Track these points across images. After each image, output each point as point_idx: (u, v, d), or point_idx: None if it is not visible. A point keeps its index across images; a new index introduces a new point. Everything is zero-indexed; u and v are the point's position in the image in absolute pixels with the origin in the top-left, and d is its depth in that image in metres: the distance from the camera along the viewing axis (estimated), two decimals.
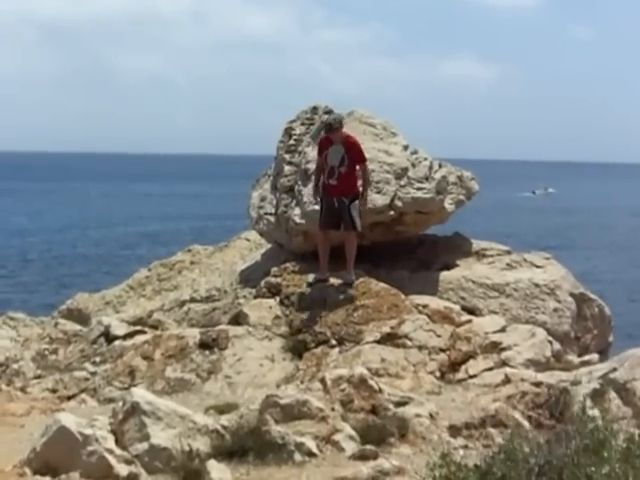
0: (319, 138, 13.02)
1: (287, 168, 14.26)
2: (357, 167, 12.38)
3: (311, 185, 12.94)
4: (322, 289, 12.24)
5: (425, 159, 14.10)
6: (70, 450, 6.94)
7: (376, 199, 13.24)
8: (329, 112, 14.50)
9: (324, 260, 12.45)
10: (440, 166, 14.32)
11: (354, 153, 12.27)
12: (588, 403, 7.49)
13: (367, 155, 12.56)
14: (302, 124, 14.63)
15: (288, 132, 14.70)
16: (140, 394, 7.55)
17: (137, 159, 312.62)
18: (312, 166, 13.06)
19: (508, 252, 14.37)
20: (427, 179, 13.78)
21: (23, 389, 11.69)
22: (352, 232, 12.30)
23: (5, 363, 12.78)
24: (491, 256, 14.16)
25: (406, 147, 14.26)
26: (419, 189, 13.59)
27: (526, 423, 7.88)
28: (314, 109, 14.81)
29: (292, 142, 14.49)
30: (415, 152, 14.23)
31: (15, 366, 12.57)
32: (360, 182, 12.47)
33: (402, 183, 13.55)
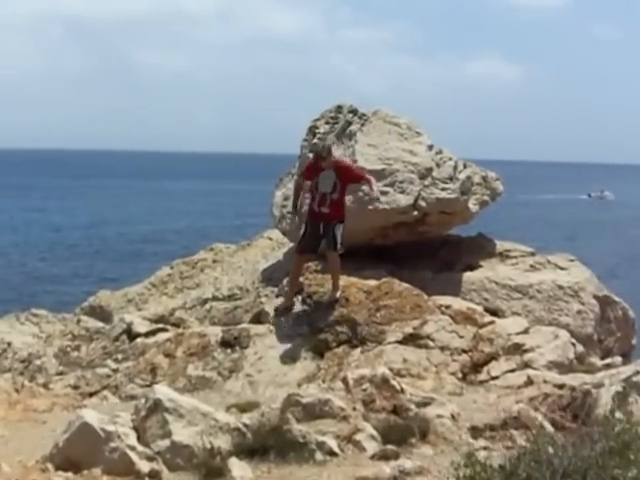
0: (306, 163, 12.68)
1: None
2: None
3: None
4: (343, 290, 12.04)
5: (450, 159, 14.05)
6: (92, 446, 6.96)
7: (400, 199, 13.20)
8: (353, 111, 14.45)
9: (292, 286, 12.21)
10: (465, 166, 14.26)
11: (349, 177, 11.91)
12: (613, 406, 7.42)
13: (391, 154, 12.42)
14: (326, 123, 14.57)
15: (312, 131, 14.63)
16: (163, 391, 7.56)
17: (160, 157, 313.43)
18: None
19: (532, 253, 14.30)
20: (451, 179, 13.72)
21: (45, 385, 11.75)
22: (333, 252, 11.86)
23: (28, 359, 12.86)
24: (514, 257, 14.09)
25: (431, 147, 14.20)
26: (443, 189, 13.54)
27: (548, 425, 7.83)
28: (339, 108, 14.75)
29: (316, 141, 14.43)
30: (440, 152, 14.18)
31: (38, 362, 12.64)
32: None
33: (426, 183, 13.50)
